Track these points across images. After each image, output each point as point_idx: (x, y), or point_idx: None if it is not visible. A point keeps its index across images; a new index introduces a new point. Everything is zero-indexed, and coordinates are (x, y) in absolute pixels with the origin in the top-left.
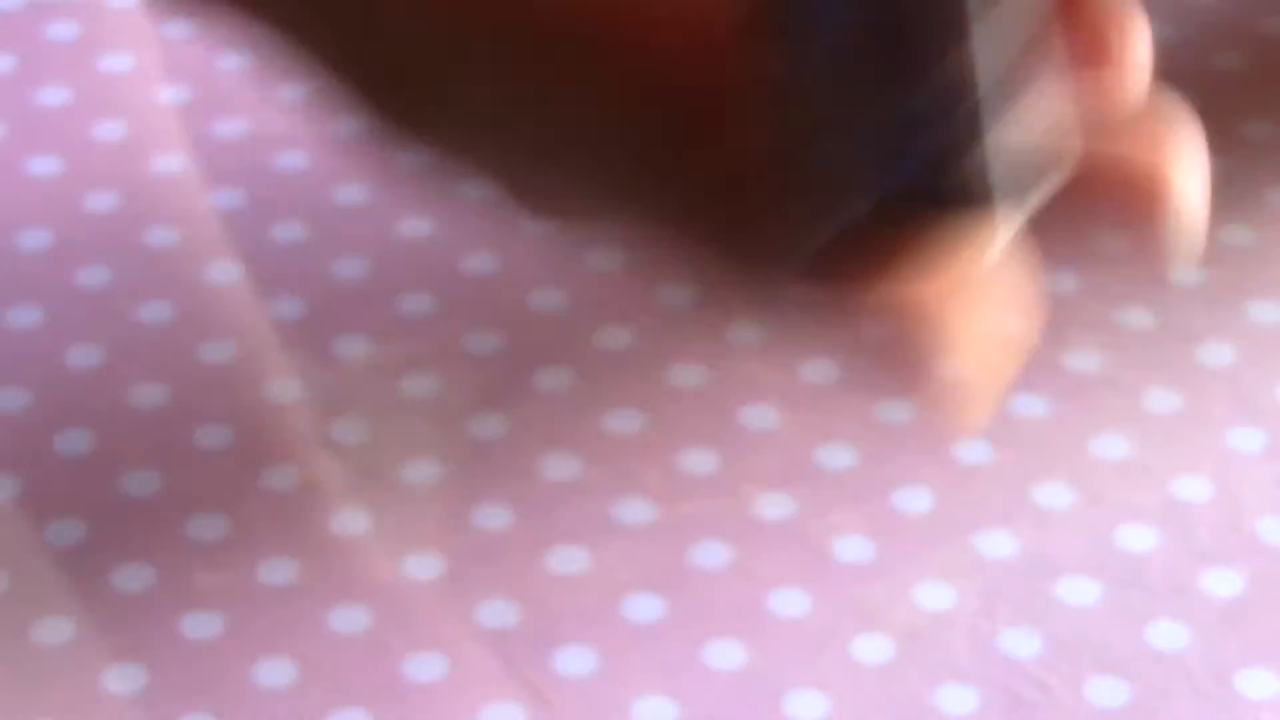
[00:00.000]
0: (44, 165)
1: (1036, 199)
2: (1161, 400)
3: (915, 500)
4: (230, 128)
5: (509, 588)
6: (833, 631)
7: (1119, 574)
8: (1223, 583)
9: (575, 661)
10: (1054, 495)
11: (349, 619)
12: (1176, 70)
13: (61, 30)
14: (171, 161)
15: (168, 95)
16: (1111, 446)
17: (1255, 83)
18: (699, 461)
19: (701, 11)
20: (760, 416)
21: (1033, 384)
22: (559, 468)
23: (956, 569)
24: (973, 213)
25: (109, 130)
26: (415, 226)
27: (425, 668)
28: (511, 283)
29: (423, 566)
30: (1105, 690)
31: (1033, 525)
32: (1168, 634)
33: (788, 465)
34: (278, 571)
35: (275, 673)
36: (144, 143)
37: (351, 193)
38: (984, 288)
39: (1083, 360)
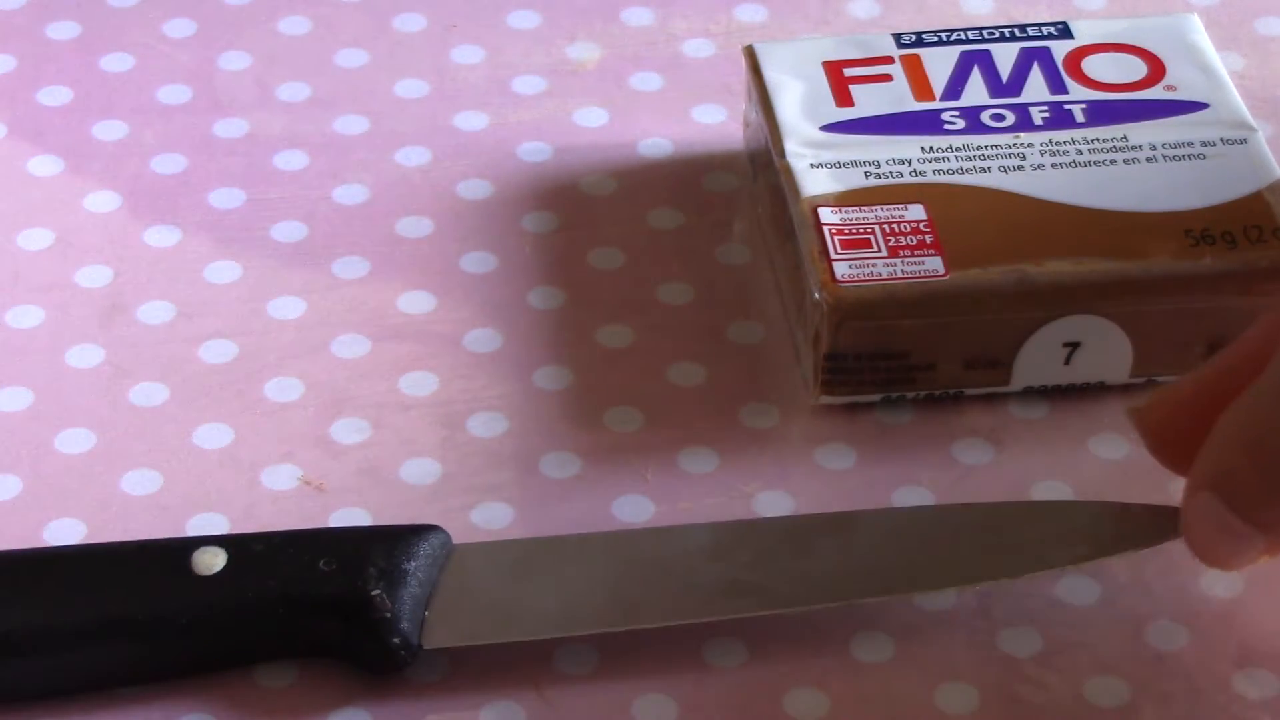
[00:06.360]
0: (44, 165)
1: None
2: None
3: (915, 500)
4: (230, 128)
5: None
6: (832, 631)
7: (1119, 574)
8: (1223, 583)
9: (575, 661)
10: (1054, 495)
11: None
12: None
13: (61, 30)
14: (171, 161)
15: (168, 95)
16: (1111, 446)
17: None
18: (699, 460)
19: None
20: (761, 416)
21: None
22: (559, 466)
23: None
24: None
25: (109, 130)
26: (415, 226)
27: (425, 667)
28: (511, 281)
29: None
30: (1105, 690)
31: None
32: (1167, 634)
33: (787, 464)
34: None
35: (275, 672)
36: (144, 142)
37: (352, 193)
38: None
39: None
